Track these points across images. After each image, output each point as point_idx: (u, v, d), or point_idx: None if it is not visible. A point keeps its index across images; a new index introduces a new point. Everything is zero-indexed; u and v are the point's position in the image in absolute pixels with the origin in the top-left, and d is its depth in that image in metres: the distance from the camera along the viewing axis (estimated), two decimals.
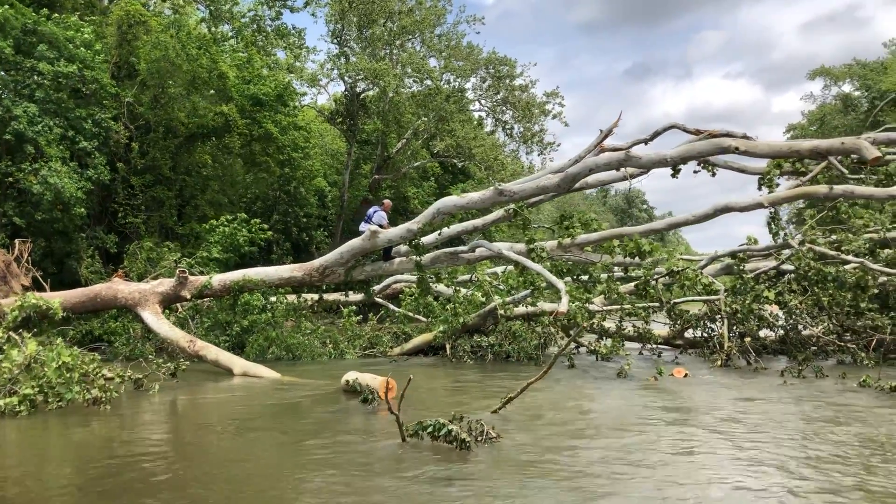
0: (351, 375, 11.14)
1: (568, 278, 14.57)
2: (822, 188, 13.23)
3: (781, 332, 15.15)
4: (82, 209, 20.39)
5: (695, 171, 14.18)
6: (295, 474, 6.51)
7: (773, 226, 14.69)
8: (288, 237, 34.41)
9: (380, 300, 19.27)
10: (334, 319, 19.60)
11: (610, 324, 16.00)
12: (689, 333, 16.76)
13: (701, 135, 13.84)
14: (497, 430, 7.60)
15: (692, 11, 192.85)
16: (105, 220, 24.81)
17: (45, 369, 9.74)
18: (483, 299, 16.62)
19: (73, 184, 20.00)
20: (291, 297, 18.64)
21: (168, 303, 16.50)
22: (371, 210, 15.77)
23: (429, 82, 35.17)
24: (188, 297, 16.21)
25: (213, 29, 31.91)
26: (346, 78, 36.16)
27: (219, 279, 16.34)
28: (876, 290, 14.46)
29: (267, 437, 8.23)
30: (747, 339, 14.19)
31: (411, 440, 7.50)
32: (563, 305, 11.83)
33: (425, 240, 14.83)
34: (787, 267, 15.34)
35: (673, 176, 13.81)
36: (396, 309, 19.08)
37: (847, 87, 42.32)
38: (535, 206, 15.09)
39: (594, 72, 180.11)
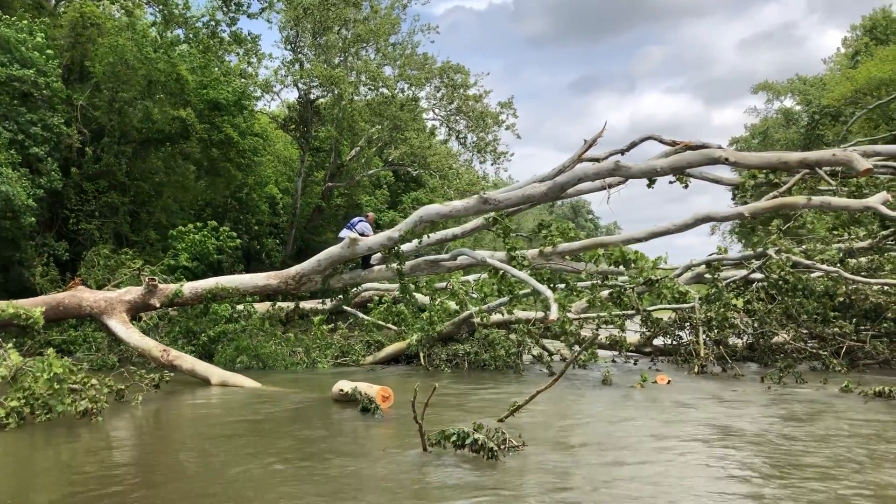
0: (346, 385, 11.02)
1: (548, 286, 14.68)
2: (800, 199, 13.65)
3: (750, 339, 15.51)
4: (32, 218, 19.71)
5: (670, 182, 14.46)
6: (319, 491, 6.36)
7: (753, 236, 15.06)
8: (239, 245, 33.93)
9: (348, 308, 19.11)
10: (302, 328, 19.31)
11: (583, 332, 16.18)
12: (657, 341, 17.07)
13: (677, 146, 14.14)
14: (514, 438, 7.56)
15: (636, 27, 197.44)
16: (55, 227, 24.05)
17: (33, 381, 9.38)
18: (457, 307, 16.66)
19: (24, 191, 19.33)
20: (260, 306, 18.32)
21: (136, 311, 16.10)
22: (355, 219, 15.66)
23: (384, 90, 35.13)
24: (158, 305, 15.84)
25: (165, 33, 31.27)
26: (301, 84, 35.88)
27: (190, 287, 16.00)
28: (841, 299, 14.96)
29: (270, 449, 7.94)
30: (721, 347, 14.52)
31: (433, 449, 7.46)
32: (554, 313, 11.93)
33: (404, 248, 14.78)
34: (756, 276, 15.76)
35: (649, 186, 14.06)
36: (365, 317, 18.96)
37: (788, 102, 43.89)
38: (511, 216, 15.15)
39: (541, 84, 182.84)
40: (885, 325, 14.42)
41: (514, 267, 13.71)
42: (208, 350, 16.43)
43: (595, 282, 15.22)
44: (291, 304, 17.72)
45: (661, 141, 14.31)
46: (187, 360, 14.13)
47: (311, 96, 36.62)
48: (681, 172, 13.03)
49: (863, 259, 15.06)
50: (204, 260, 18.58)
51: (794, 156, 12.13)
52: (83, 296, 15.93)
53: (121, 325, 15.23)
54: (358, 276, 15.55)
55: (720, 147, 14.26)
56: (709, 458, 7.44)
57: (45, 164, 21.05)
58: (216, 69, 28.46)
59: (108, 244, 23.58)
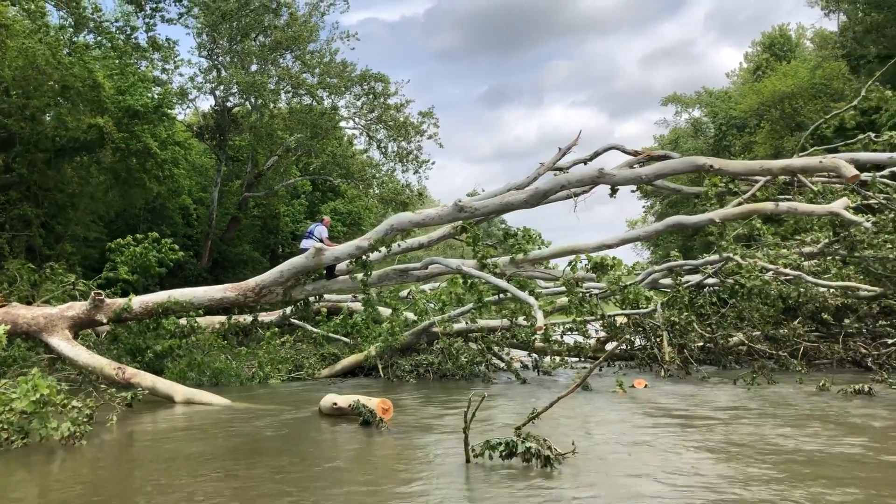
0: (340, 398, 10.64)
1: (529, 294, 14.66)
2: (769, 205, 14.12)
3: (706, 342, 15.90)
4: None
5: (632, 191, 14.72)
6: None
7: (719, 241, 15.43)
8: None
9: (296, 321, 18.56)
10: (246, 342, 18.60)
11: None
12: (608, 346, 17.31)
13: (639, 156, 14.43)
14: (558, 446, 7.43)
15: (544, 42, 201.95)
16: None
17: (13, 402, 8.63)
18: (415, 318, 16.44)
19: None
20: (203, 320, 17.56)
21: (80, 328, 15.17)
22: (312, 226, 15.19)
23: (307, 98, 34.60)
24: (104, 321, 14.94)
25: (75, 38, 29.74)
26: (218, 92, 34.90)
27: (140, 301, 15.16)
28: (791, 302, 15.57)
29: (290, 474, 7.50)
30: (686, 350, 14.86)
31: (478, 460, 7.26)
32: (540, 320, 11.89)
33: (371, 256, 14.47)
34: (709, 281, 16.22)
35: (612, 195, 14.26)
36: (315, 329, 18.46)
37: (696, 113, 45.76)
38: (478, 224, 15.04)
39: (452, 96, 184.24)
40: (842, 325, 15.07)
41: (489, 275, 13.61)
42: (155, 367, 15.59)
43: (559, 289, 15.29)
44: (249, 317, 17.07)
45: (623, 151, 14.59)
46: (146, 378, 13.34)
47: (229, 104, 35.69)
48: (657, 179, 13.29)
49: (807, 263, 15.69)
50: (145, 273, 17.68)
51: (778, 163, 12.56)
52: (18, 312, 14.85)
53: (65, 343, 14.27)
54: (322, 287, 15.09)
55: (666, 157, 14.73)
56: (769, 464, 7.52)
57: None
58: (133, 75, 27.24)
59: (19, 258, 22.15)
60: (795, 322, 15.38)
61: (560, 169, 14.92)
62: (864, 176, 13.96)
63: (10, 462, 8.24)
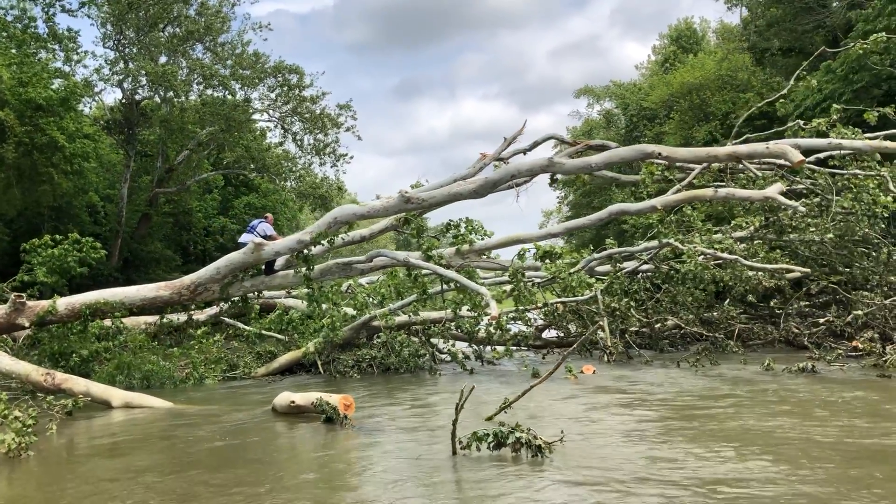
0: (298, 396, 10.33)
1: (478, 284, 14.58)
2: (708, 191, 14.45)
3: (642, 327, 16.23)
4: None
5: (549, 183, 14.84)
6: None
7: (659, 228, 15.66)
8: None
9: (227, 319, 18.00)
10: (173, 342, 17.86)
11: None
12: (546, 334, 17.49)
13: (577, 146, 14.60)
14: (541, 435, 7.36)
15: (456, 35, 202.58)
16: None
17: None
18: (354, 312, 16.19)
19: None
20: (129, 321, 16.78)
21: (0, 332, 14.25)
22: (254, 221, 14.68)
23: (220, 90, 33.59)
24: (27, 325, 14.10)
25: None
26: (126, 84, 33.47)
27: (65, 303, 14.36)
28: (723, 285, 16.04)
29: (264, 481, 7.07)
30: (627, 335, 15.13)
31: (463, 452, 7.14)
32: (494, 309, 11.85)
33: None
34: (643, 267, 16.54)
35: (551, 184, 14.35)
36: (245, 327, 17.94)
37: (607, 105, 46.67)
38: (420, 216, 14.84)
39: (363, 89, 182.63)
40: (770, 306, 15.63)
41: (437, 266, 13.46)
42: (81, 371, 14.80)
43: (501, 279, 15.30)
44: (183, 316, 16.41)
45: (562, 141, 14.73)
46: (79, 383, 12.62)
47: (137, 97, 34.30)
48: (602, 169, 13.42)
49: (740, 246, 16.18)
50: (65, 275, 16.74)
51: (724, 150, 12.83)
52: None
53: None
54: (261, 283, 14.60)
55: (602, 146, 14.96)
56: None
57: None
58: (34, 66, 25.77)
59: None
60: (726, 304, 15.86)
61: (501, 159, 14.92)
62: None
63: None
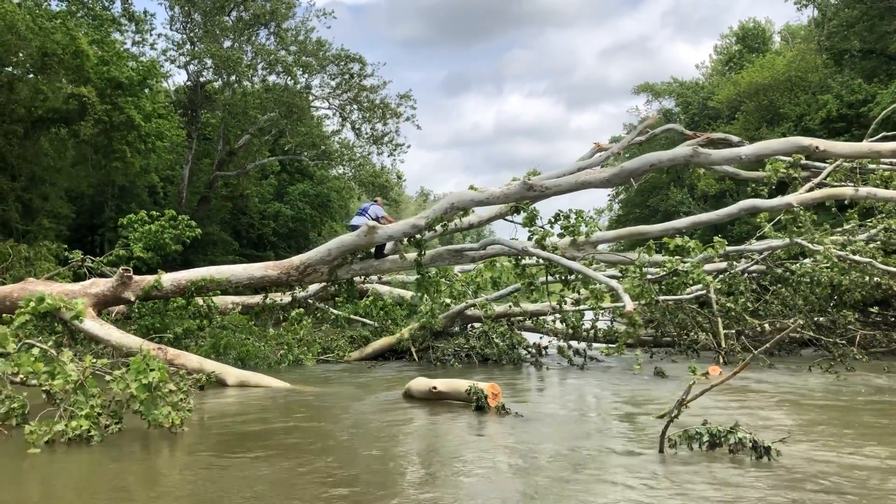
0: (441, 382, 10.00)
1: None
2: (848, 190, 13.93)
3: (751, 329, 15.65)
4: None
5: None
6: None
7: (790, 226, 14.99)
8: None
9: (314, 302, 17.75)
10: (259, 322, 17.54)
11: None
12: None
13: (698, 138, 14.13)
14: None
15: (505, 32, 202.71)
16: None
17: (122, 387, 7.71)
18: (449, 301, 15.90)
19: None
20: (217, 300, 16.52)
21: (104, 305, 14.17)
22: (365, 204, 14.37)
23: (284, 77, 33.48)
24: (132, 298, 13.89)
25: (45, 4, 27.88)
26: (191, 67, 33.42)
27: (171, 278, 14.14)
28: (841, 290, 15.35)
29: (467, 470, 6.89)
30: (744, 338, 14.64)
31: (670, 451, 6.73)
32: (629, 304, 11.38)
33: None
34: (754, 268, 15.95)
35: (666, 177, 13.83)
36: (336, 311, 17.69)
37: (667, 103, 45.94)
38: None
39: (410, 83, 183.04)
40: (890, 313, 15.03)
41: (559, 257, 13.05)
42: (176, 348, 14.57)
43: (643, 273, 14.65)
44: (288, 298, 16.16)
45: (682, 132, 14.25)
46: (192, 359, 12.45)
47: (202, 80, 34.24)
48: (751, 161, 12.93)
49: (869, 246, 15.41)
50: (159, 251, 16.55)
51: (888, 146, 12.30)
52: (36, 289, 13.64)
53: (93, 322, 13.16)
54: (370, 267, 14.26)
55: (706, 140, 14.44)
56: None
57: None
58: (114, 45, 25.68)
59: None
60: (845, 310, 15.25)
61: (604, 149, 14.58)
62: None
63: (110, 450, 7.37)
